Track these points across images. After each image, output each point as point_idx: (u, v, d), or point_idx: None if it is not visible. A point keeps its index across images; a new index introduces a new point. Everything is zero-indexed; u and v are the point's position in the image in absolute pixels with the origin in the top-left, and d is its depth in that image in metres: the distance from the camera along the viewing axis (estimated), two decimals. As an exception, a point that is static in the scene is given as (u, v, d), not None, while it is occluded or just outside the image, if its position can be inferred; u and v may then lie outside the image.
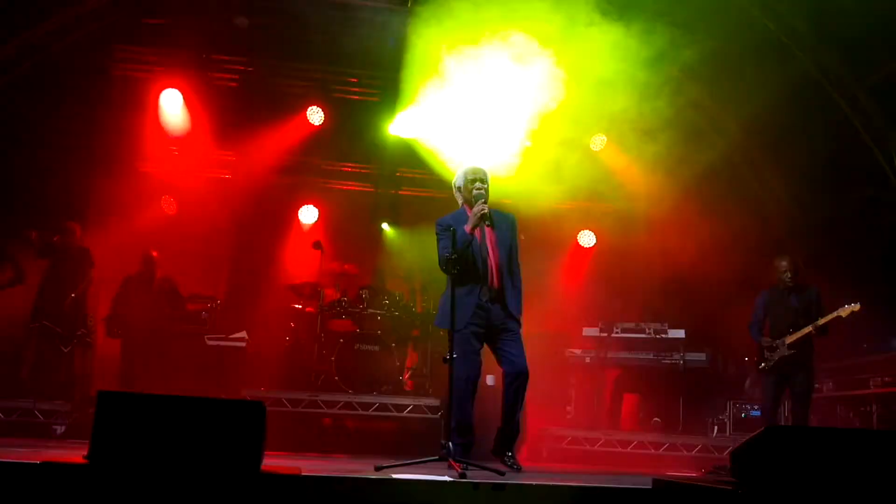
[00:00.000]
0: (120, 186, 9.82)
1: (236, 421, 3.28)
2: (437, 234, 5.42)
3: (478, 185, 5.41)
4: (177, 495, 3.06)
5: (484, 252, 5.38)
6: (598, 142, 10.20)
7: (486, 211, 5.21)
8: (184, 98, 9.74)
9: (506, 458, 5.30)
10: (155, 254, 8.97)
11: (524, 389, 5.31)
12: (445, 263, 5.22)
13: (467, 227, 5.24)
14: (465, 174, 5.51)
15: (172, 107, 9.73)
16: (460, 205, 5.61)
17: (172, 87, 9.71)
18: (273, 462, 3.60)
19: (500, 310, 5.35)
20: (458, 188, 5.57)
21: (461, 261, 5.21)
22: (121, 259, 9.48)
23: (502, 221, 5.49)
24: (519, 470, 5.15)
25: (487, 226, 5.33)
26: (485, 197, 5.37)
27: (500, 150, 7.69)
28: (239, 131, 10.01)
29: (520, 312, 5.43)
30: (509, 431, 5.39)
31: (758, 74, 8.69)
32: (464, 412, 5.27)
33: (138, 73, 9.87)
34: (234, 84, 10.02)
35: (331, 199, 10.75)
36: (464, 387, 5.24)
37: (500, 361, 5.39)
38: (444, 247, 5.28)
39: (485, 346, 5.44)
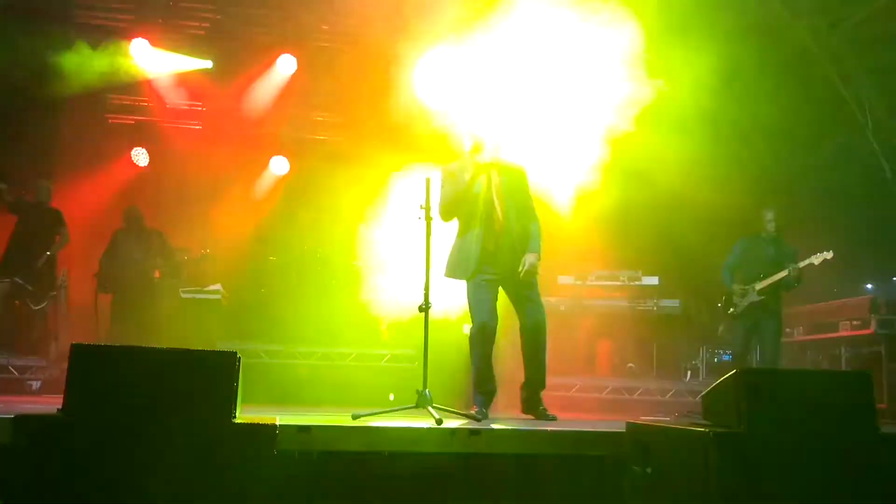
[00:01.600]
0: (88, 138, 9.66)
1: (210, 372, 3.26)
2: (441, 178, 5.36)
3: (490, 144, 5.32)
4: (151, 446, 3.06)
5: (489, 200, 5.26)
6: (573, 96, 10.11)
7: (485, 161, 5.16)
8: (152, 46, 9.49)
9: (538, 412, 5.20)
10: (137, 209, 8.81)
11: (539, 342, 5.22)
12: (446, 207, 5.24)
13: (466, 175, 5.20)
14: (469, 124, 5.48)
15: (140, 56, 9.48)
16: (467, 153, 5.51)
17: (140, 35, 9.45)
18: (249, 413, 3.60)
19: (510, 257, 5.25)
20: (466, 135, 5.49)
21: (461, 208, 5.22)
22: (93, 213, 9.38)
23: (510, 171, 5.37)
24: (553, 419, 5.09)
25: (495, 174, 5.26)
26: (489, 146, 5.30)
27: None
28: (209, 81, 9.81)
29: (537, 254, 5.27)
30: (531, 386, 5.29)
31: (734, 23, 8.62)
32: (482, 359, 5.25)
33: (104, 21, 9.59)
34: (202, 33, 9.77)
35: (303, 149, 10.61)
36: (479, 336, 5.21)
37: (519, 314, 5.32)
38: (443, 194, 5.25)
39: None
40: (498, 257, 5.25)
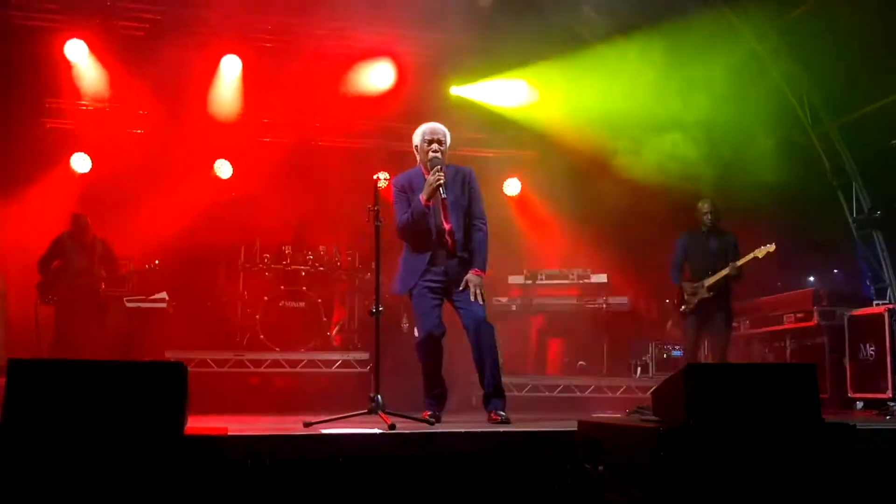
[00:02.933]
0: (25, 145, 9.39)
1: (157, 383, 3.19)
2: (393, 194, 5.30)
3: (434, 147, 5.24)
4: (96, 462, 2.97)
5: (438, 219, 5.23)
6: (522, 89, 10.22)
7: (441, 181, 5.06)
8: (90, 49, 9.26)
9: (493, 416, 5.10)
10: (85, 217, 8.57)
11: (487, 340, 5.14)
12: (401, 231, 5.25)
13: (422, 197, 5.12)
14: (423, 134, 5.33)
15: (78, 58, 9.25)
16: (418, 163, 5.43)
17: (76, 37, 9.21)
18: (199, 424, 3.53)
19: (456, 265, 5.24)
20: (416, 147, 5.38)
21: (415, 228, 5.20)
22: (31, 220, 9.12)
23: (456, 181, 5.29)
24: (508, 422, 4.98)
25: (443, 191, 5.18)
26: (441, 161, 5.21)
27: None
28: (150, 84, 9.60)
29: (482, 266, 5.28)
30: (488, 389, 5.19)
31: (675, 17, 8.76)
32: (430, 367, 5.24)
33: (38, 22, 9.32)
34: (141, 34, 9.56)
35: (248, 152, 10.46)
36: (427, 344, 5.19)
37: (460, 318, 5.27)
38: (400, 211, 5.21)
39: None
40: (445, 268, 5.26)
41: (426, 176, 5.21)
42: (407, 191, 5.25)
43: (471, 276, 5.20)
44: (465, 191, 5.31)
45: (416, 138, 5.37)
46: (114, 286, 8.77)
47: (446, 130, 5.38)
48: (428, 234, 5.25)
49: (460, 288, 5.20)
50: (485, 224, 5.38)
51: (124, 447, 3.01)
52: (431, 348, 5.21)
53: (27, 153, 9.40)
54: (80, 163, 9.92)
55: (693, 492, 3.15)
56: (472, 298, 5.14)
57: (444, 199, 5.15)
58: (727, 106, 9.24)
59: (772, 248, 7.25)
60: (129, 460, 2.99)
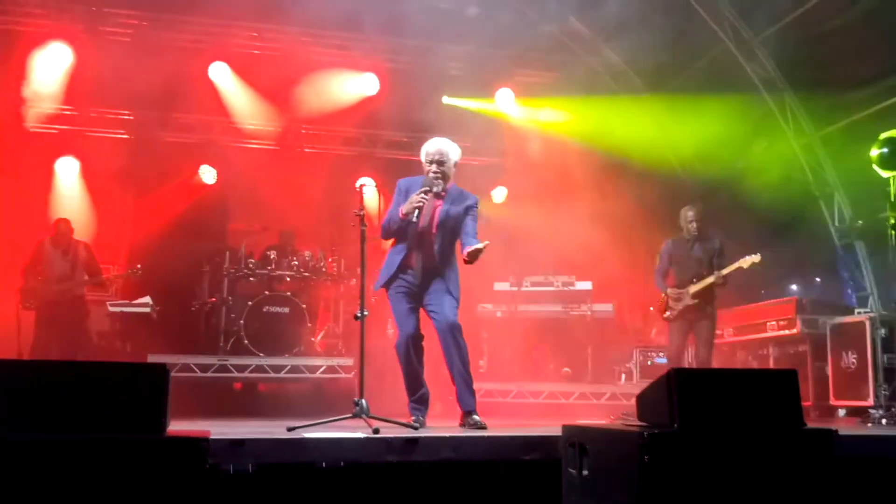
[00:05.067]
0: (9, 147, 9.33)
1: (138, 385, 3.16)
2: (395, 195, 5.31)
3: (434, 168, 5.24)
4: (76, 462, 2.94)
5: (427, 230, 5.22)
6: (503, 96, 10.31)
7: (421, 204, 5.05)
8: (74, 53, 9.22)
9: (467, 420, 5.08)
10: (68, 221, 8.51)
11: (455, 342, 5.12)
12: (382, 229, 5.31)
13: (402, 210, 5.13)
14: (426, 152, 5.32)
15: (62, 62, 9.21)
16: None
17: (61, 40, 9.17)
18: (181, 427, 3.51)
19: (429, 277, 5.23)
20: (423, 163, 5.35)
21: (393, 233, 5.24)
22: (13, 225, 9.05)
23: (458, 200, 5.28)
24: (482, 427, 4.93)
25: (439, 197, 5.20)
26: (437, 181, 5.20)
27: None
28: (135, 88, 9.57)
29: (456, 296, 5.24)
30: (460, 388, 5.17)
31: (661, 33, 8.82)
32: (409, 371, 5.22)
33: (22, 26, 9.28)
34: (127, 39, 9.54)
35: (233, 157, 10.44)
36: (404, 346, 5.18)
37: (433, 321, 5.25)
38: (389, 214, 5.25)
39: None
40: (418, 273, 5.24)
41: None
42: (403, 194, 5.26)
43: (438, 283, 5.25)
44: (462, 213, 5.27)
45: (422, 155, 5.38)
46: (96, 291, 8.70)
47: (447, 149, 5.33)
48: (407, 239, 5.27)
49: (428, 294, 5.22)
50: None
51: (105, 448, 2.98)
52: (410, 351, 5.21)
53: (8, 157, 9.32)
54: (65, 168, 9.87)
55: (677, 496, 3.16)
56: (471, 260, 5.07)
57: (415, 222, 5.15)
58: (713, 118, 9.32)
59: (757, 258, 7.27)
60: (110, 461, 2.96)
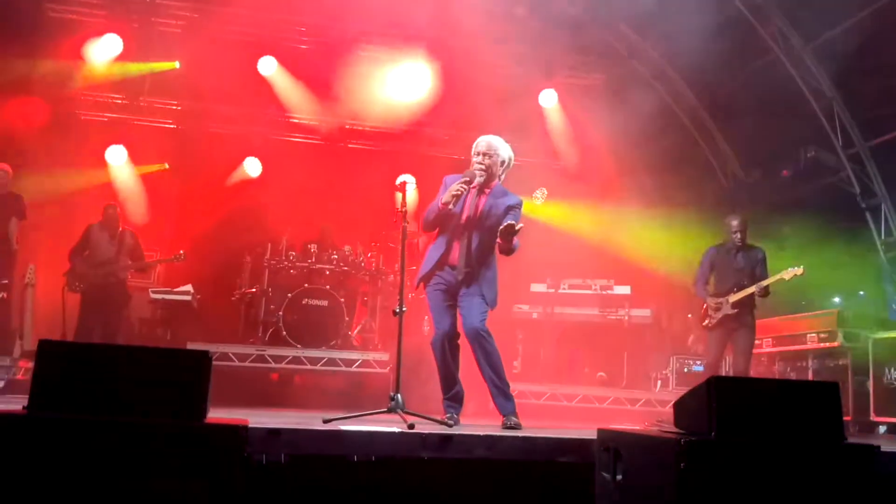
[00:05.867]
0: (60, 134, 9.53)
1: (180, 371, 3.22)
2: (442, 188, 5.33)
3: (479, 157, 5.27)
4: (118, 446, 3.00)
5: (466, 218, 5.22)
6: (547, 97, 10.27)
7: (459, 192, 5.10)
8: (126, 44, 9.39)
9: (504, 421, 5.07)
10: (119, 207, 8.69)
11: (481, 348, 5.12)
12: (423, 221, 5.31)
13: (442, 199, 5.16)
14: (475, 145, 5.36)
15: (114, 52, 9.38)
16: None
17: (113, 31, 9.35)
18: (220, 415, 3.56)
19: (465, 276, 5.22)
20: (471, 157, 5.40)
21: (434, 224, 5.26)
22: (63, 211, 9.26)
23: (501, 198, 5.28)
24: (517, 428, 4.94)
25: (482, 193, 5.23)
26: (480, 172, 5.22)
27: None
28: (184, 79, 9.73)
29: (491, 298, 5.23)
30: (493, 393, 5.17)
31: (710, 40, 8.73)
32: (444, 368, 5.24)
33: (77, 16, 9.48)
34: (178, 31, 9.69)
35: (278, 151, 10.56)
36: (439, 343, 5.21)
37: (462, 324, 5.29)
38: (429, 207, 5.27)
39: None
40: (454, 272, 5.23)
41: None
42: (447, 189, 5.28)
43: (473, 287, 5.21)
44: (503, 215, 5.21)
45: (472, 149, 5.40)
46: (139, 277, 8.85)
47: (496, 144, 5.35)
48: (446, 233, 5.29)
49: (461, 297, 5.20)
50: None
51: (146, 432, 3.04)
52: (445, 348, 5.22)
53: (61, 144, 9.51)
54: (115, 155, 10.05)
55: (712, 505, 3.13)
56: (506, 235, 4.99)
57: (457, 216, 5.19)
58: (758, 126, 9.21)
59: (800, 270, 7.16)
60: (151, 445, 3.02)
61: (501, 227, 4.99)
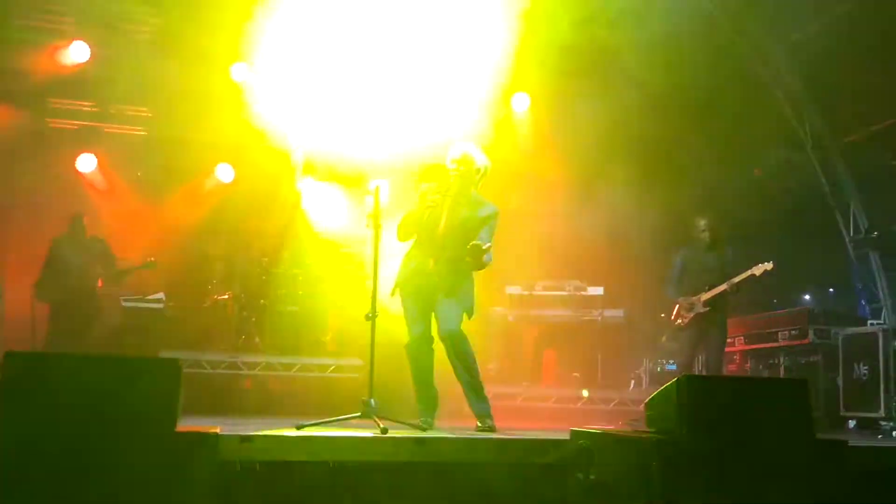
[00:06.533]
0: (28, 142, 9.40)
1: (151, 379, 3.19)
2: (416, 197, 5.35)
3: (454, 166, 5.25)
4: (89, 455, 2.97)
5: (441, 228, 5.19)
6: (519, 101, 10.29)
7: (433, 204, 5.11)
8: (92, 50, 9.28)
9: (478, 424, 5.09)
10: (85, 215, 8.56)
11: (455, 352, 5.12)
12: (398, 227, 5.28)
13: (416, 209, 5.18)
14: (450, 150, 5.34)
15: (80, 59, 9.27)
16: None
17: (80, 38, 9.24)
18: (191, 423, 3.53)
19: (442, 281, 5.21)
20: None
21: (418, 232, 5.25)
22: (32, 219, 9.14)
23: (477, 207, 5.26)
24: (491, 430, 4.96)
25: (457, 202, 5.21)
26: (454, 179, 5.21)
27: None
28: (154, 85, 9.63)
29: (468, 306, 5.23)
30: (468, 396, 5.19)
31: (675, 35, 8.80)
32: (419, 371, 5.25)
33: (45, 23, 9.35)
34: (147, 36, 9.59)
35: (250, 156, 10.48)
36: (414, 348, 5.23)
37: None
38: (407, 212, 5.28)
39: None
40: (428, 277, 5.22)
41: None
42: (426, 195, 5.27)
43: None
44: (478, 222, 5.22)
45: (447, 155, 5.38)
46: (110, 285, 8.75)
47: (471, 152, 5.32)
48: (422, 242, 5.29)
49: (435, 300, 5.20)
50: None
51: (116, 441, 3.01)
52: (419, 352, 5.23)
53: (29, 152, 9.39)
54: (85, 163, 9.93)
55: (685, 502, 3.15)
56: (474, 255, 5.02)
57: (431, 224, 5.18)
58: (730, 127, 9.30)
59: (769, 266, 7.26)
60: (122, 454, 2.99)
61: (469, 246, 4.97)
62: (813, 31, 8.48)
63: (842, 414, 7.86)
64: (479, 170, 5.36)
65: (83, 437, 3.00)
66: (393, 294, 5.39)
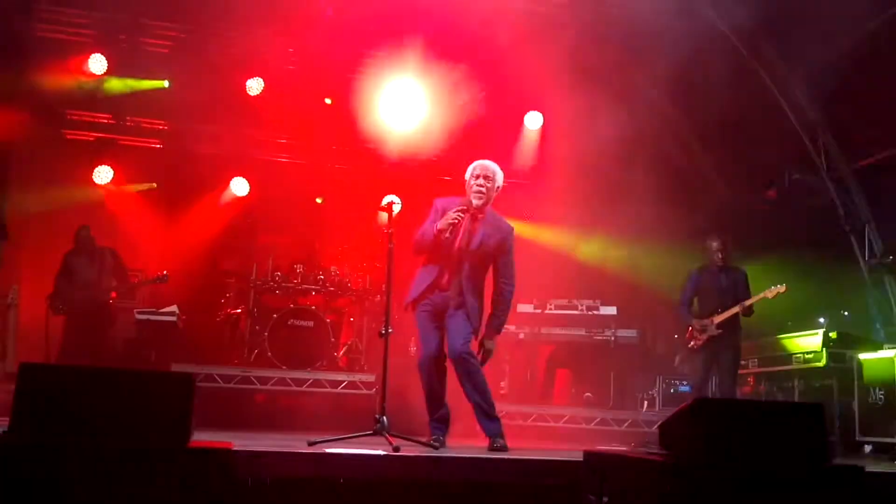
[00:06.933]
0: (46, 153, 9.49)
1: (164, 394, 3.20)
2: (431, 211, 5.37)
3: (480, 181, 5.30)
4: (101, 469, 2.97)
5: (460, 245, 5.25)
6: (533, 119, 10.32)
7: (456, 220, 5.12)
8: (111, 63, 9.36)
9: (490, 443, 5.08)
10: (88, 228, 8.60)
11: (465, 371, 5.13)
12: (414, 244, 5.32)
13: (438, 225, 5.18)
14: (473, 168, 5.38)
15: (100, 72, 9.36)
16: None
17: (99, 51, 9.33)
18: (204, 438, 3.53)
19: (450, 302, 5.24)
20: (466, 180, 5.42)
21: (424, 248, 5.28)
22: (48, 231, 9.21)
23: (495, 226, 5.34)
24: (503, 450, 4.95)
25: (475, 219, 5.28)
26: (483, 195, 5.27)
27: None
28: (171, 99, 9.71)
29: (498, 328, 5.43)
30: (478, 415, 5.20)
31: (692, 59, 8.81)
32: (431, 389, 5.25)
33: (65, 35, 9.46)
34: (165, 51, 9.69)
35: (264, 171, 10.55)
36: (426, 365, 5.22)
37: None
38: (420, 232, 5.30)
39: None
40: (444, 296, 5.26)
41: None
42: (439, 213, 5.29)
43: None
44: (496, 249, 5.33)
45: (468, 172, 5.44)
46: (124, 298, 8.78)
47: (497, 170, 5.41)
48: (438, 258, 5.30)
49: (448, 318, 5.26)
50: (512, 286, 5.43)
51: (129, 455, 3.01)
52: (431, 370, 5.23)
53: (45, 164, 9.48)
54: (102, 175, 10.00)
55: (697, 527, 3.12)
56: (481, 362, 5.26)
57: (449, 241, 5.22)
58: (744, 150, 9.28)
59: (782, 288, 7.23)
60: (134, 469, 2.99)
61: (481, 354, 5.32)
62: (828, 55, 8.46)
63: (857, 439, 7.76)
64: (498, 187, 5.41)
65: (96, 450, 3.00)
66: (406, 308, 5.41)
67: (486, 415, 5.19)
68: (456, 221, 5.14)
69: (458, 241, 5.25)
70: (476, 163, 5.43)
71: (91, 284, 8.23)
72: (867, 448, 7.73)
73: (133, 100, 9.86)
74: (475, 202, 5.26)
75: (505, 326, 9.18)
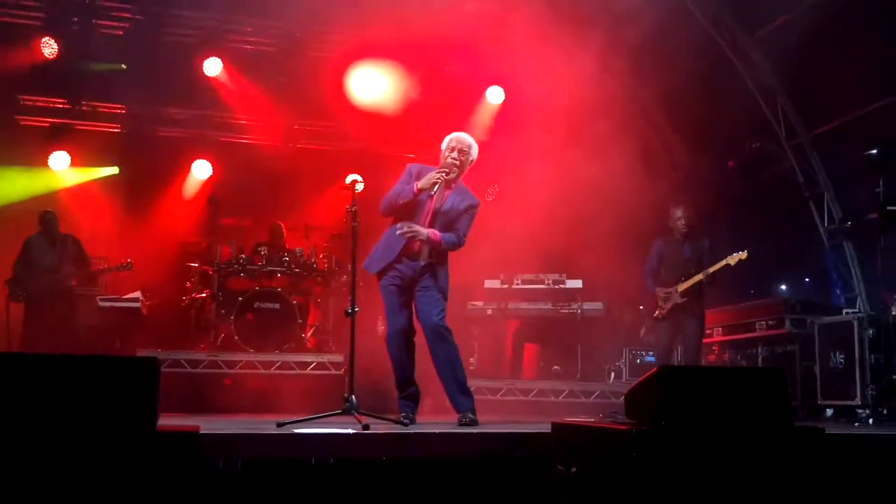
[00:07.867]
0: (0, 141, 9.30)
1: (128, 379, 3.16)
2: (402, 174, 5.35)
3: (454, 154, 5.31)
4: (66, 457, 2.94)
5: (426, 209, 5.25)
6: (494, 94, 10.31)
7: (440, 180, 5.13)
8: (65, 46, 9.16)
9: (460, 418, 5.07)
10: (54, 213, 8.45)
11: (441, 344, 5.14)
12: (384, 204, 5.28)
13: (416, 186, 5.16)
14: (449, 140, 5.40)
15: (52, 56, 9.16)
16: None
17: (51, 35, 9.12)
18: (171, 422, 3.51)
19: (419, 267, 5.23)
20: (442, 151, 5.42)
21: (396, 208, 5.24)
22: (5, 216, 9.05)
23: (462, 197, 5.35)
24: (473, 424, 4.96)
25: (448, 187, 5.28)
26: (454, 168, 5.27)
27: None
28: (128, 82, 9.54)
29: (444, 289, 5.31)
30: (451, 390, 5.18)
31: (653, 28, 8.83)
32: (399, 367, 5.24)
33: (14, 19, 9.23)
34: (120, 33, 9.50)
35: (226, 153, 10.43)
36: (395, 341, 5.21)
37: (418, 319, 5.30)
38: (393, 192, 5.27)
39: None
40: (409, 266, 5.23)
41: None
42: (413, 177, 5.27)
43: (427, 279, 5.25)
44: (462, 213, 5.33)
45: (444, 143, 5.44)
46: (86, 285, 8.66)
47: (472, 143, 5.43)
48: (409, 220, 5.25)
49: (417, 291, 5.24)
50: (461, 241, 5.35)
51: (95, 442, 2.98)
52: (400, 345, 5.23)
53: (3, 150, 9.29)
54: (58, 161, 9.83)
55: (665, 493, 3.17)
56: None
57: (432, 196, 5.21)
58: (706, 118, 9.34)
59: (744, 255, 7.33)
60: (100, 455, 2.96)
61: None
62: (785, 22, 8.53)
63: (819, 402, 7.94)
64: (471, 161, 5.43)
65: (60, 437, 2.97)
66: (373, 271, 5.34)
67: (461, 389, 5.19)
68: (439, 181, 5.14)
69: (430, 206, 5.25)
70: (452, 135, 5.44)
71: (52, 270, 8.11)
72: (829, 411, 7.92)
73: (89, 84, 9.68)
74: (451, 174, 5.26)
75: (472, 303, 9.34)
